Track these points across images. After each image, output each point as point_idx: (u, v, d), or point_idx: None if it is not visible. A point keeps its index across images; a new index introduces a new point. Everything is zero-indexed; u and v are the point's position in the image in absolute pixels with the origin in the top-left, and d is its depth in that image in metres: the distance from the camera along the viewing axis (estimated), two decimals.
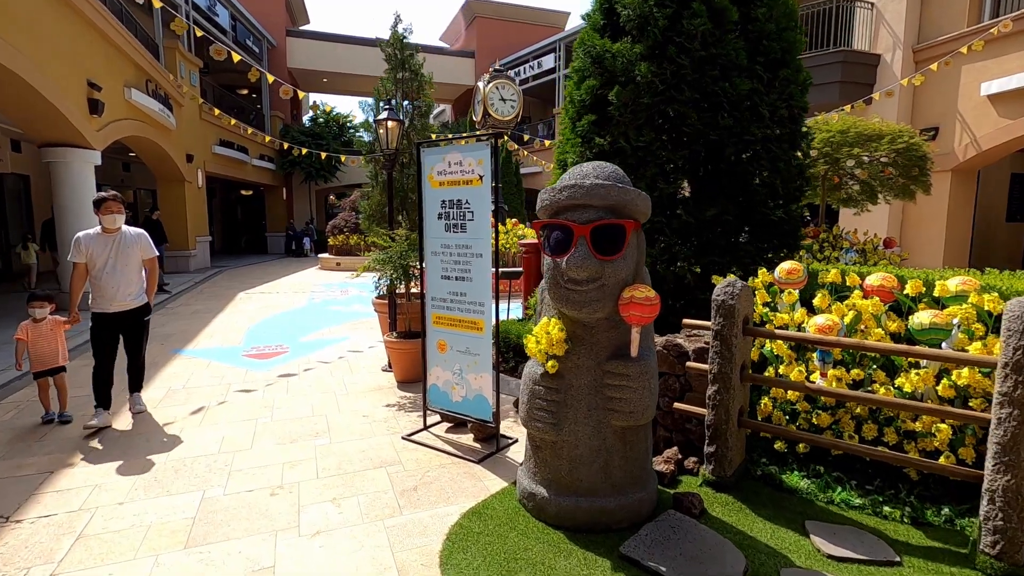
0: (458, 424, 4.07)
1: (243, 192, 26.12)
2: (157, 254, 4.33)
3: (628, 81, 4.57)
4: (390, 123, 5.44)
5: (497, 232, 3.58)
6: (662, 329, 4.28)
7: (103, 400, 4.14)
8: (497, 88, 10.36)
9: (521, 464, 3.06)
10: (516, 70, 23.36)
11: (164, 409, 4.51)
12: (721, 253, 4.82)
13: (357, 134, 25.47)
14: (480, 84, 10.38)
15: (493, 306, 3.57)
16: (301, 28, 26.29)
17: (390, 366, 5.60)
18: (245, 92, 25.11)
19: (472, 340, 3.68)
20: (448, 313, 3.78)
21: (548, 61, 22.25)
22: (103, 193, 4.06)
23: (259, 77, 9.19)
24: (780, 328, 3.35)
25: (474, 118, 11.21)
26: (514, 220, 12.75)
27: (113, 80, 10.36)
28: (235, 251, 24.77)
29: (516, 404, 4.45)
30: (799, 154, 4.92)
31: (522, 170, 19.72)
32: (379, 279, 5.32)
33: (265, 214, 24.92)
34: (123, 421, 4.22)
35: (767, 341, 3.39)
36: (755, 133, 4.59)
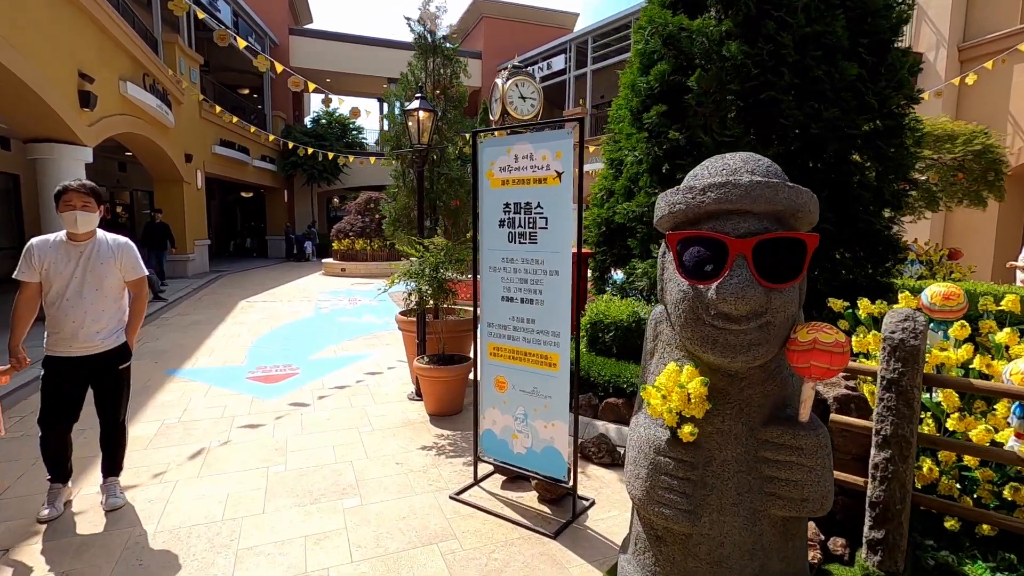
0: (516, 477, 3.33)
1: (243, 194, 25.35)
2: (145, 274, 3.05)
3: (710, 64, 3.87)
4: (422, 114, 4.71)
5: (580, 242, 2.86)
6: None
7: (59, 472, 2.96)
8: (516, 85, 9.67)
9: (626, 552, 2.32)
10: None
11: (155, 452, 3.76)
12: (814, 267, 4.11)
13: (360, 135, 24.79)
14: (498, 81, 9.68)
15: (570, 337, 2.84)
16: (304, 27, 25.61)
17: (418, 394, 4.86)
18: (246, 92, 24.40)
19: (542, 378, 2.94)
20: (510, 344, 3.04)
21: (558, 62, 21.58)
22: (67, 182, 2.82)
23: (261, 76, 8.50)
24: (938, 371, 2.64)
25: (491, 117, 10.54)
26: None
27: (107, 72, 9.63)
28: (234, 255, 24.01)
29: (582, 450, 3.70)
30: (906, 152, 4.20)
31: None
32: (408, 293, 4.62)
33: (265, 217, 24.18)
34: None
35: None
36: (861, 126, 3.90)
